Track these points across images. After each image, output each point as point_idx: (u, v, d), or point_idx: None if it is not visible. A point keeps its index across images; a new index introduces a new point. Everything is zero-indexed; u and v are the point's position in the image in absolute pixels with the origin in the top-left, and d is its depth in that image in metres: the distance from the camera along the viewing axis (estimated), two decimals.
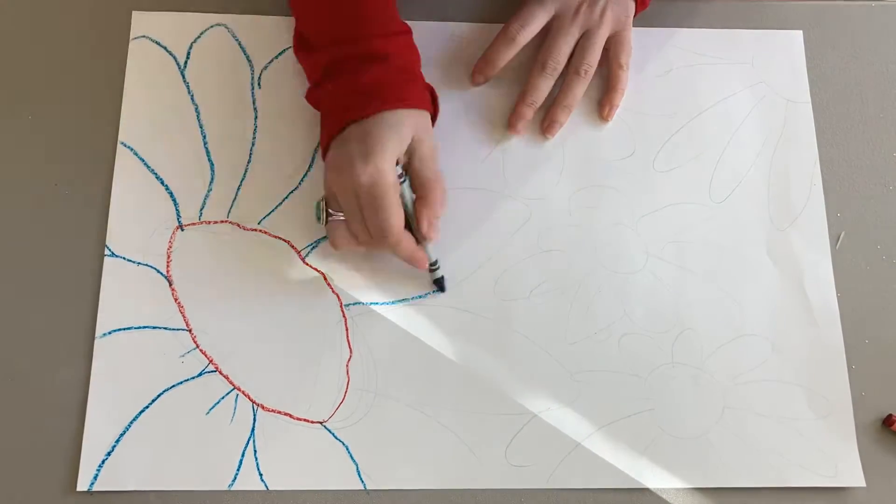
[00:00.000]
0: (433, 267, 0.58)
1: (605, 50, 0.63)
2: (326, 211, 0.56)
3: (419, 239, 0.56)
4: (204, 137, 0.61)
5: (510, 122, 0.62)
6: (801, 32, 0.67)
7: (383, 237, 0.54)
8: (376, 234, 0.54)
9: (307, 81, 0.59)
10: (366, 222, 0.54)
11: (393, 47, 0.56)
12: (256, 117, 0.62)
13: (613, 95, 0.63)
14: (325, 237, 0.59)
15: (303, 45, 0.58)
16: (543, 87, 0.62)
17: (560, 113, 0.62)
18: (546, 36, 0.63)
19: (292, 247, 0.59)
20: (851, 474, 0.57)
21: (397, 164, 0.54)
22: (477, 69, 0.63)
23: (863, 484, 0.57)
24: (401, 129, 0.54)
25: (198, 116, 0.62)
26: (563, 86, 0.63)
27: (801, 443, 0.57)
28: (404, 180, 0.55)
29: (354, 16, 0.56)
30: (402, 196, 0.54)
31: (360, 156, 0.52)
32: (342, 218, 0.55)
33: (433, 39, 0.64)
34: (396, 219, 0.53)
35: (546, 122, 0.63)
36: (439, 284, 0.58)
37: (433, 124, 0.58)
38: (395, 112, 0.54)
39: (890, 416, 0.58)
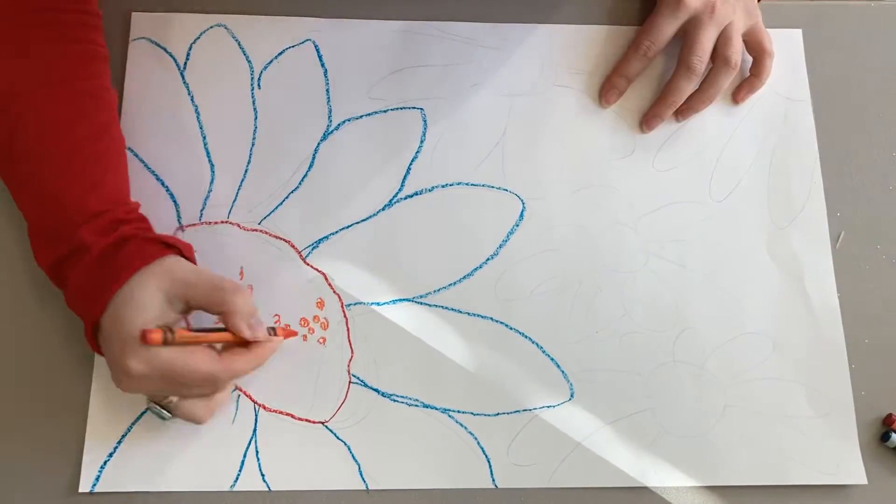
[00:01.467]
0: (276, 333, 0.54)
1: (744, 42, 0.64)
2: (160, 405, 0.51)
3: (249, 341, 0.51)
4: (204, 138, 0.61)
5: (646, 121, 0.63)
6: (800, 31, 0.67)
7: (216, 390, 0.51)
8: (209, 393, 0.51)
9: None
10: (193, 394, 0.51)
11: (91, 234, 0.51)
12: (256, 117, 0.62)
13: (756, 82, 0.64)
14: (325, 237, 0.60)
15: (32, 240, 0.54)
16: (687, 88, 0.62)
17: (701, 103, 0.63)
18: (685, 36, 0.62)
19: (293, 247, 0.59)
20: (853, 472, 0.57)
21: (147, 334, 0.47)
22: (611, 86, 0.63)
23: (864, 481, 0.57)
24: (139, 300, 0.49)
25: (198, 117, 0.62)
26: (710, 77, 0.62)
27: (803, 440, 0.57)
28: (171, 336, 0.48)
29: (53, 216, 0.52)
30: (199, 331, 0.50)
31: (119, 365, 0.48)
32: (174, 400, 0.51)
33: (434, 40, 0.64)
34: (205, 373, 0.49)
35: (683, 108, 0.63)
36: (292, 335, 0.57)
37: (190, 255, 0.54)
38: (118, 294, 0.49)
39: (890, 415, 0.58)
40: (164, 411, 0.51)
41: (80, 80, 0.55)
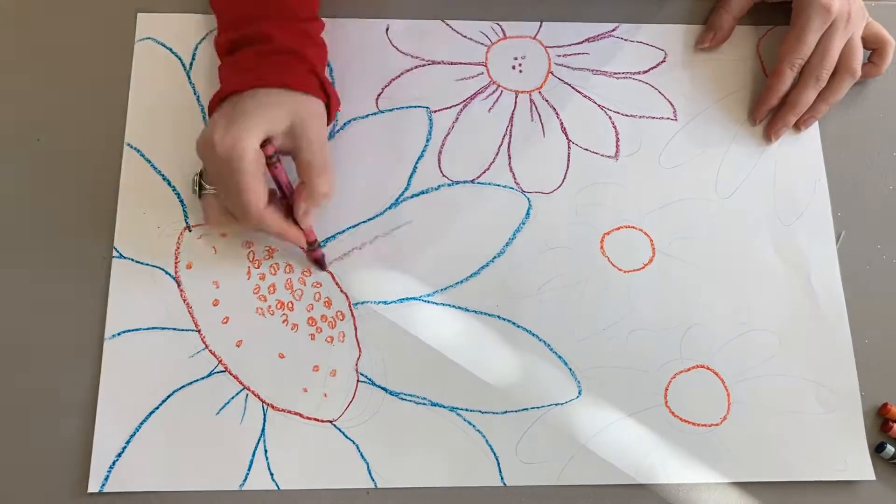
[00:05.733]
0: (311, 248, 0.57)
1: (863, 39, 0.64)
2: (199, 183, 0.55)
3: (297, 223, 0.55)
4: None
5: (773, 131, 0.63)
6: None
7: (242, 215, 0.53)
8: (236, 212, 0.53)
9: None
10: (226, 199, 0.53)
11: (284, 33, 0.55)
12: None
13: (875, 70, 0.65)
14: (332, 236, 0.60)
15: (218, 26, 0.59)
16: (814, 97, 0.62)
17: (822, 111, 0.63)
18: (817, 43, 0.62)
19: (300, 246, 0.59)
20: (860, 467, 0.57)
21: (269, 144, 0.52)
22: (766, 108, 0.64)
23: (872, 477, 0.57)
24: (274, 108, 0.52)
25: (204, 117, 0.62)
26: (832, 85, 0.62)
27: (810, 437, 0.57)
28: (276, 161, 0.53)
29: (257, 2, 0.56)
30: (276, 178, 0.54)
31: (223, 126, 0.51)
32: (211, 190, 0.55)
33: (440, 38, 0.65)
34: (253, 196, 0.51)
35: (805, 116, 0.63)
36: (318, 264, 0.59)
37: (331, 117, 0.58)
38: (270, 91, 0.53)
39: (885, 404, 0.58)
40: (199, 189, 0.55)
41: None
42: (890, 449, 0.57)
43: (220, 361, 0.57)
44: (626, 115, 0.64)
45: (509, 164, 0.62)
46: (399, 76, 0.63)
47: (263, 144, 0.52)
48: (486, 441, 0.56)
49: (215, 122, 0.52)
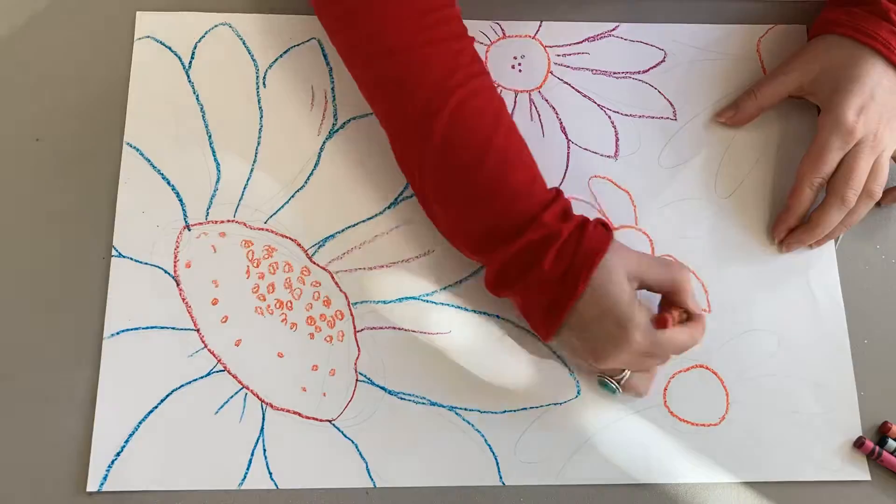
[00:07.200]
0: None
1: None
2: (616, 381, 0.55)
3: (696, 317, 0.55)
4: (209, 137, 0.61)
5: (786, 244, 0.61)
6: (804, 27, 0.67)
7: (668, 358, 0.55)
8: (667, 357, 0.54)
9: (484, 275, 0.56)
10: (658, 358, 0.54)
11: (552, 217, 0.52)
12: (262, 116, 0.62)
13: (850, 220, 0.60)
14: (332, 235, 0.60)
15: (471, 249, 0.55)
16: (837, 219, 0.59)
17: (841, 231, 0.61)
18: (840, 162, 0.59)
19: (299, 245, 0.59)
20: (856, 468, 0.57)
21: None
22: (784, 225, 0.61)
23: (867, 478, 0.57)
24: (615, 279, 0.51)
25: (203, 116, 0.62)
26: (854, 209, 0.59)
27: (807, 437, 0.58)
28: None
29: (510, 208, 0.53)
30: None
31: (618, 332, 0.51)
32: (628, 374, 0.55)
33: None
34: (684, 339, 0.53)
35: (822, 241, 0.61)
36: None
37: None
38: (597, 274, 0.51)
39: (885, 422, 0.58)
40: (617, 385, 0.55)
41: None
42: (892, 443, 0.57)
43: (218, 361, 0.57)
44: (626, 115, 0.64)
45: None
46: None
47: (665, 321, 0.53)
48: (485, 440, 0.56)
49: (603, 337, 0.51)
